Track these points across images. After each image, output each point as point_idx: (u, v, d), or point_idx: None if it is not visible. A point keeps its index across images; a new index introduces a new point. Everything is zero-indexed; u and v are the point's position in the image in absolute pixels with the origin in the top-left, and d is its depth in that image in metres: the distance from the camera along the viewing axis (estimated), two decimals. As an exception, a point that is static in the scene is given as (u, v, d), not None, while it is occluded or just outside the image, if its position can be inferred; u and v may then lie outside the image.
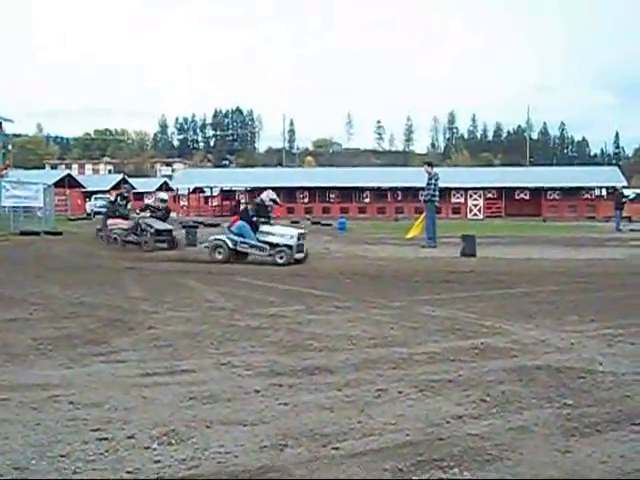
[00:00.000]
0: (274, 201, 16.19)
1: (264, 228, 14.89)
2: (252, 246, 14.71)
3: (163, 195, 22.44)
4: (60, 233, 25.13)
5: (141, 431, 3.90)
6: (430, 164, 21.60)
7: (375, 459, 3.49)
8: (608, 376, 5.18)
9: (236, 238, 14.80)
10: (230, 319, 7.57)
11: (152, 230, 19.18)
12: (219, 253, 14.80)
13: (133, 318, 7.60)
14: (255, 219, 15.06)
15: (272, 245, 14.52)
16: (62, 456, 3.54)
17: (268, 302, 8.80)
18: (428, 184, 20.38)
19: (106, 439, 3.77)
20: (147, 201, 23.17)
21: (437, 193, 20.35)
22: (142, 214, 19.89)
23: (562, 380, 5.05)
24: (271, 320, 7.47)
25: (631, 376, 5.19)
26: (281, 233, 14.78)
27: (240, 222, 15.03)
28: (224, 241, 14.90)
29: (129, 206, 21.89)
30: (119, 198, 21.76)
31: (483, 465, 3.43)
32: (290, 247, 14.31)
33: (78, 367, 5.46)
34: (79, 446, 3.67)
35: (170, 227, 20.28)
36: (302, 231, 15.46)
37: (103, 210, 24.01)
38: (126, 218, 20.45)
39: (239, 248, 14.75)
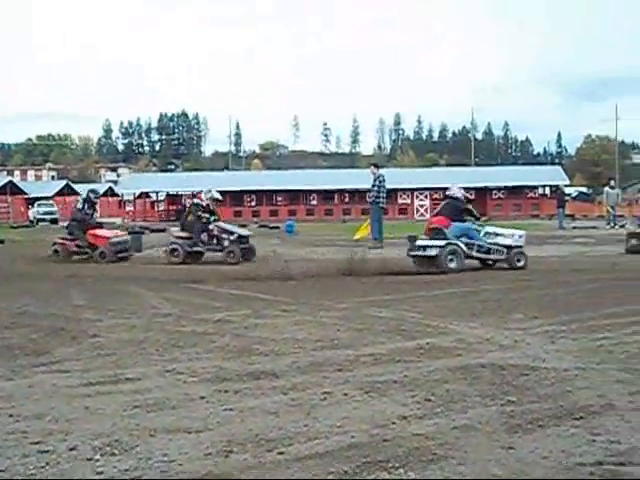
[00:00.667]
0: (216, 200, 16.16)
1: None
2: None
3: (216, 194, 18.38)
4: (2, 241, 24.66)
5: (83, 442, 3.83)
6: (376, 165, 21.73)
7: (320, 462, 3.49)
8: (551, 372, 5.25)
9: None
10: (176, 325, 7.50)
11: (233, 237, 16.63)
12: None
13: (76, 327, 7.48)
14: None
15: None
16: (1, 471, 3.47)
17: (214, 307, 8.75)
18: (373, 185, 20.53)
19: (47, 452, 3.70)
20: (194, 200, 19.24)
21: (383, 194, 20.45)
22: (204, 216, 16.95)
23: (506, 377, 5.10)
24: (217, 325, 7.43)
25: (573, 371, 5.27)
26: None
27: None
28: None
29: (95, 215, 20.46)
30: (86, 205, 18.59)
31: (428, 465, 3.45)
32: None
33: (19, 379, 5.35)
34: (19, 460, 3.59)
35: (249, 232, 18.39)
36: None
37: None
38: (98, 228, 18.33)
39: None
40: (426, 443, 3.74)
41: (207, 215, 16.99)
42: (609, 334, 6.74)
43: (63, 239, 17.95)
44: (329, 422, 4.12)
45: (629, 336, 6.63)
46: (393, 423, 4.10)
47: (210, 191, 18.10)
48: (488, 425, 4.04)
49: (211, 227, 16.88)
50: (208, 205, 17.42)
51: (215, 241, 16.83)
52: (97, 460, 3.59)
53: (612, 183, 37.25)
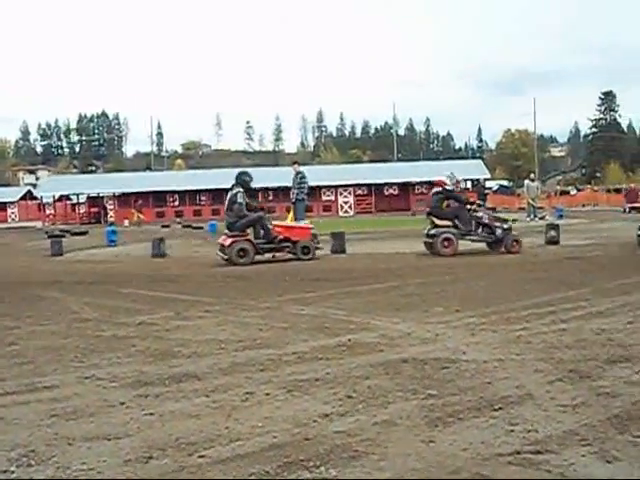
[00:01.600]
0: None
1: None
2: None
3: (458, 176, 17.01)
4: None
5: (-2, 454, 3.74)
6: (297, 163, 21.79)
7: (241, 464, 3.46)
8: (471, 364, 5.32)
9: None
10: (95, 330, 7.36)
11: (507, 225, 16.11)
12: None
13: (-8, 335, 7.30)
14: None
15: None
16: None
17: (136, 310, 8.60)
18: (294, 183, 20.63)
19: (-40, 465, 3.60)
20: (445, 187, 16.50)
21: (305, 192, 20.53)
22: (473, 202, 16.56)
23: (427, 371, 5.15)
24: (138, 329, 7.31)
25: (492, 363, 5.34)
26: None
27: None
28: None
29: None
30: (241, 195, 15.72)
31: (349, 462, 3.45)
32: None
33: None
34: None
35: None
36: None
37: None
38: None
39: None
40: (347, 440, 3.75)
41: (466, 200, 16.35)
42: (528, 325, 6.87)
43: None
44: (251, 423, 4.09)
45: (547, 326, 6.77)
46: (315, 421, 4.09)
47: (452, 174, 16.60)
48: (409, 419, 4.07)
49: (480, 214, 16.00)
50: (453, 190, 16.32)
51: (487, 230, 15.96)
52: (12, 472, 3.49)
53: (532, 176, 38.07)
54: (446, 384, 4.80)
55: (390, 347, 6.04)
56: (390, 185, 63.81)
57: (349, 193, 62.41)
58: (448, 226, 15.68)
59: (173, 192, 61.90)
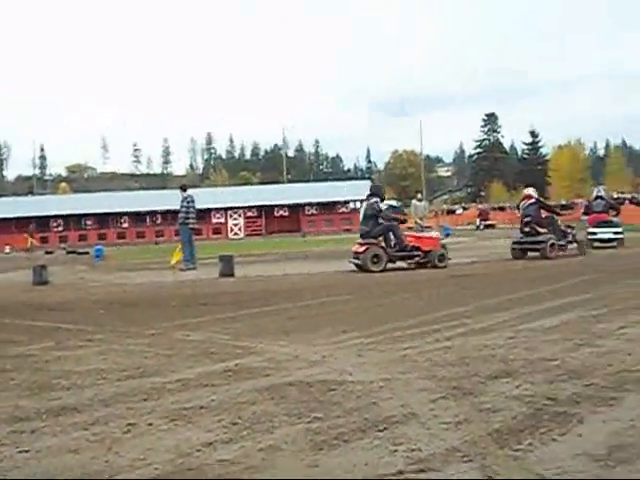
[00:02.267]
0: None
1: None
2: None
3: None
4: None
5: None
6: (183, 187, 21.64)
7: (120, 499, 3.36)
8: (357, 385, 5.32)
9: None
10: (-31, 364, 7.05)
11: None
12: None
13: None
14: None
15: None
16: None
17: (12, 341, 8.21)
18: (182, 207, 20.67)
19: None
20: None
21: (192, 215, 20.44)
22: None
23: (313, 394, 5.12)
24: (16, 361, 6.99)
25: (378, 383, 5.36)
26: None
27: None
28: None
29: None
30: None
31: (231, 492, 3.39)
32: None
33: None
34: None
35: None
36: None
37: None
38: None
39: None
40: (231, 468, 3.68)
41: None
42: (413, 343, 6.94)
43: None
44: (132, 455, 3.97)
45: (431, 344, 6.86)
46: (198, 450, 4.00)
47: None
48: (294, 444, 4.03)
49: None
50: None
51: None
52: None
53: (419, 196, 39.00)
54: (332, 406, 4.78)
55: (277, 371, 5.99)
56: (280, 207, 64.02)
57: (239, 215, 62.36)
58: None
59: (57, 216, 60.43)
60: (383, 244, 16.56)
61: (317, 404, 4.85)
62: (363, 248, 16.21)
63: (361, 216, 17.25)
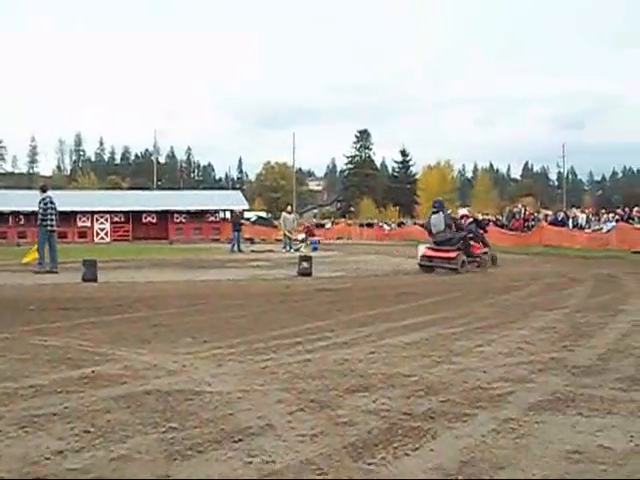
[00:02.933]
0: None
1: None
2: None
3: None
4: None
5: None
6: (42, 188, 21.08)
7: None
8: (215, 396, 5.30)
9: None
10: None
11: None
12: None
13: None
14: None
15: None
16: None
17: None
18: (39, 208, 20.28)
19: None
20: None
21: (50, 217, 19.98)
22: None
23: (170, 404, 5.07)
24: None
25: (237, 394, 5.36)
26: None
27: None
28: None
29: None
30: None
31: (79, 501, 3.32)
32: None
33: None
34: None
35: None
36: None
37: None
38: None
39: None
40: (81, 478, 3.60)
41: None
42: (274, 355, 6.97)
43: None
44: (-24, 463, 3.84)
45: (292, 356, 6.90)
46: (47, 458, 3.90)
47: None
48: (147, 454, 3.98)
49: None
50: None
51: None
52: None
53: (289, 208, 39.24)
54: (189, 416, 4.75)
55: (134, 379, 5.90)
56: (148, 213, 63.05)
57: (106, 220, 61.04)
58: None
59: None
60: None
61: (173, 414, 4.81)
62: (454, 254, 19.24)
63: (436, 226, 19.94)
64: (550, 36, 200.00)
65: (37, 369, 6.31)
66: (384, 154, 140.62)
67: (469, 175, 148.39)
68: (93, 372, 6.13)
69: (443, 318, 9.71)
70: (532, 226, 38.32)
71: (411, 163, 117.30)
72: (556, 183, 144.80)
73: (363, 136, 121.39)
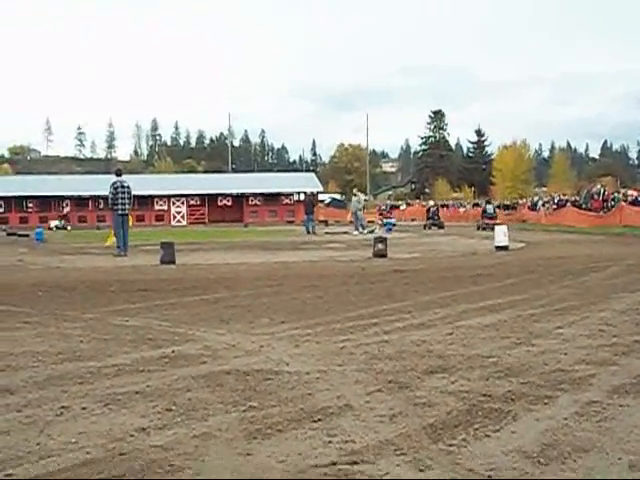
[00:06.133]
0: None
1: None
2: None
3: None
4: None
5: None
6: (117, 172, 21.39)
7: (50, 482, 3.32)
8: (293, 376, 5.34)
9: None
10: None
11: None
12: None
13: None
14: None
15: None
16: None
17: (-54, 321, 8.13)
18: (109, 192, 20.58)
19: None
20: None
21: (122, 202, 20.33)
22: None
23: (249, 383, 5.13)
24: (-52, 341, 6.91)
25: (314, 374, 5.38)
26: None
27: None
28: None
29: None
30: None
31: (163, 476, 3.38)
32: None
33: None
34: None
35: None
36: None
37: None
38: None
39: None
40: (164, 455, 3.67)
41: None
42: (352, 336, 6.98)
43: None
44: (64, 438, 3.93)
45: (369, 337, 6.90)
46: (131, 436, 3.98)
47: None
48: (228, 432, 4.03)
49: None
50: None
51: None
52: None
53: (354, 190, 39.27)
54: (267, 396, 4.79)
55: (213, 359, 5.98)
56: (224, 196, 63.73)
57: (182, 203, 61.94)
58: None
59: (-2, 198, 59.40)
60: None
61: (253, 393, 4.86)
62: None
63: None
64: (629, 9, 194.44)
65: (119, 349, 6.45)
66: (459, 134, 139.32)
67: (546, 155, 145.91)
68: (173, 352, 6.23)
69: (521, 300, 9.55)
70: (612, 206, 37.34)
71: (486, 143, 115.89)
72: (636, 162, 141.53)
73: (437, 116, 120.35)
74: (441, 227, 41.28)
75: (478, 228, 37.42)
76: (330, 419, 4.26)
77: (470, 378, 5.28)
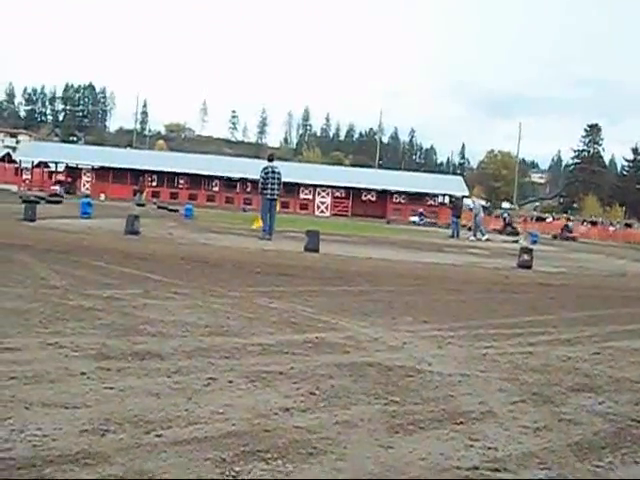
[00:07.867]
0: None
1: None
2: None
3: None
4: None
5: (-48, 410, 3.67)
6: (269, 157, 21.69)
7: (198, 448, 3.42)
8: (435, 376, 5.30)
9: None
10: (62, 298, 7.27)
11: None
12: None
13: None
14: None
15: None
16: None
17: (104, 284, 8.51)
18: (260, 177, 20.91)
19: None
20: None
21: (272, 187, 20.54)
22: None
23: (391, 378, 5.13)
24: (105, 302, 7.23)
25: (457, 377, 5.33)
26: None
27: None
28: None
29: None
30: None
31: (306, 458, 3.42)
32: None
33: None
34: None
35: None
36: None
37: None
38: None
39: None
40: (307, 436, 3.72)
41: None
42: (495, 343, 6.86)
43: None
44: (211, 408, 4.05)
45: (513, 347, 6.76)
46: (275, 414, 4.06)
47: None
48: (370, 423, 4.04)
49: None
50: None
51: None
52: (-37, 429, 3.43)
53: (472, 197, 38.95)
54: (409, 392, 4.78)
55: (356, 350, 6.01)
56: (368, 191, 63.98)
57: (327, 194, 62.55)
58: None
59: (151, 172, 61.60)
60: None
61: (395, 388, 4.86)
62: None
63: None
64: None
65: (263, 329, 6.58)
66: (614, 151, 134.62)
67: None
68: (317, 338, 6.30)
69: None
70: None
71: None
72: None
73: (593, 130, 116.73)
74: (516, 234, 41.27)
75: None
76: (472, 423, 4.21)
77: (618, 401, 5.09)
